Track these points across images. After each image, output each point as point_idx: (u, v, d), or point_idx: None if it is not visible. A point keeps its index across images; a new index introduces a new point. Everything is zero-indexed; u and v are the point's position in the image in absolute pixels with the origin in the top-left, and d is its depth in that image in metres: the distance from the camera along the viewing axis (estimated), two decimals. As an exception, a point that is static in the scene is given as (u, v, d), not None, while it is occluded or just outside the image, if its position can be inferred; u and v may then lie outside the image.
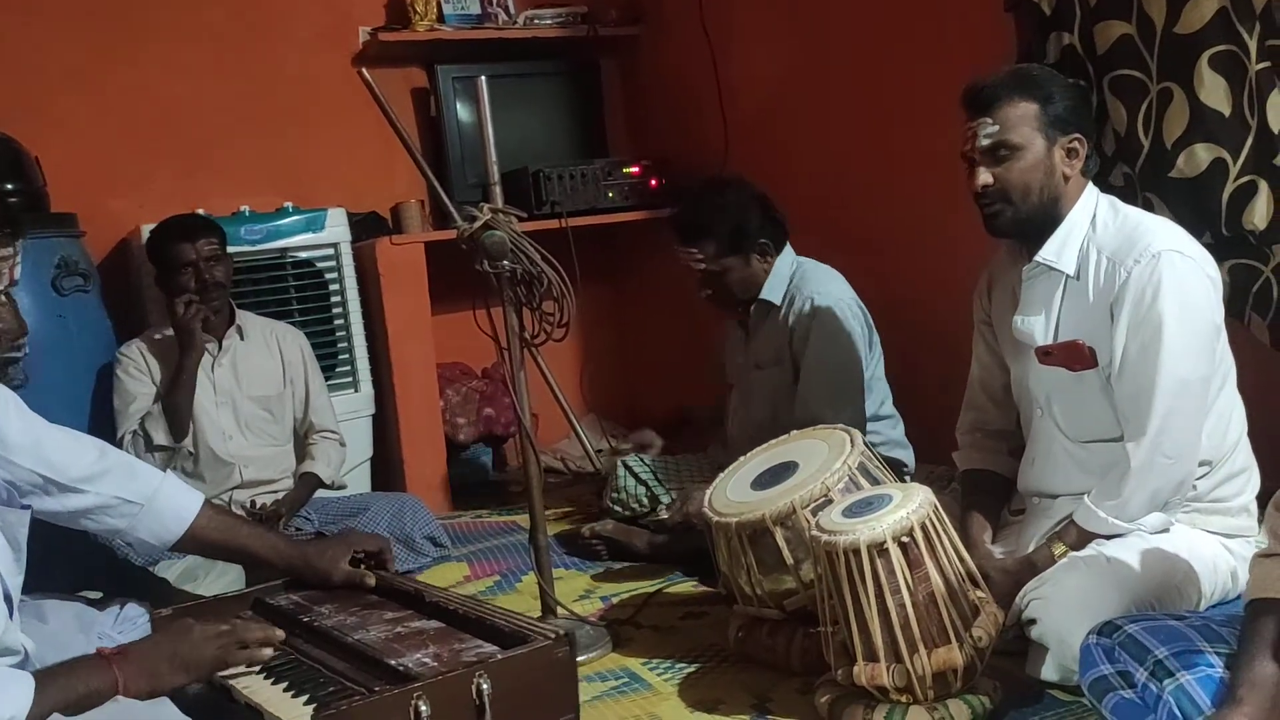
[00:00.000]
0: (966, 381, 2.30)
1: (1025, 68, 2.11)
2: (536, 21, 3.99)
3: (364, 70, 2.05)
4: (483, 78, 2.14)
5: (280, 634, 1.57)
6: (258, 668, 1.56)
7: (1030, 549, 1.98)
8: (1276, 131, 2.10)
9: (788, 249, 2.72)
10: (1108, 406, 1.95)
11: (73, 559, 2.25)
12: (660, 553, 2.71)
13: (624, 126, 4.27)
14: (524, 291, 2.17)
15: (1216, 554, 1.90)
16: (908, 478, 2.77)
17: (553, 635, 1.50)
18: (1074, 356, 1.98)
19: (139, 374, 2.89)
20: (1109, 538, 1.87)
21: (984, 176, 1.95)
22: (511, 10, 3.98)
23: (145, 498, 1.79)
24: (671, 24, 3.96)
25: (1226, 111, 2.16)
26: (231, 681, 1.52)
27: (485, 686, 1.39)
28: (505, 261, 2.11)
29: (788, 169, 3.53)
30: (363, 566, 1.92)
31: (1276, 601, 1.41)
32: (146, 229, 3.12)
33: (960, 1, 2.82)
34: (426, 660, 1.48)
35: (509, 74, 3.91)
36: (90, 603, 1.95)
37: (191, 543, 1.86)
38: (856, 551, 1.69)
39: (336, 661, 1.55)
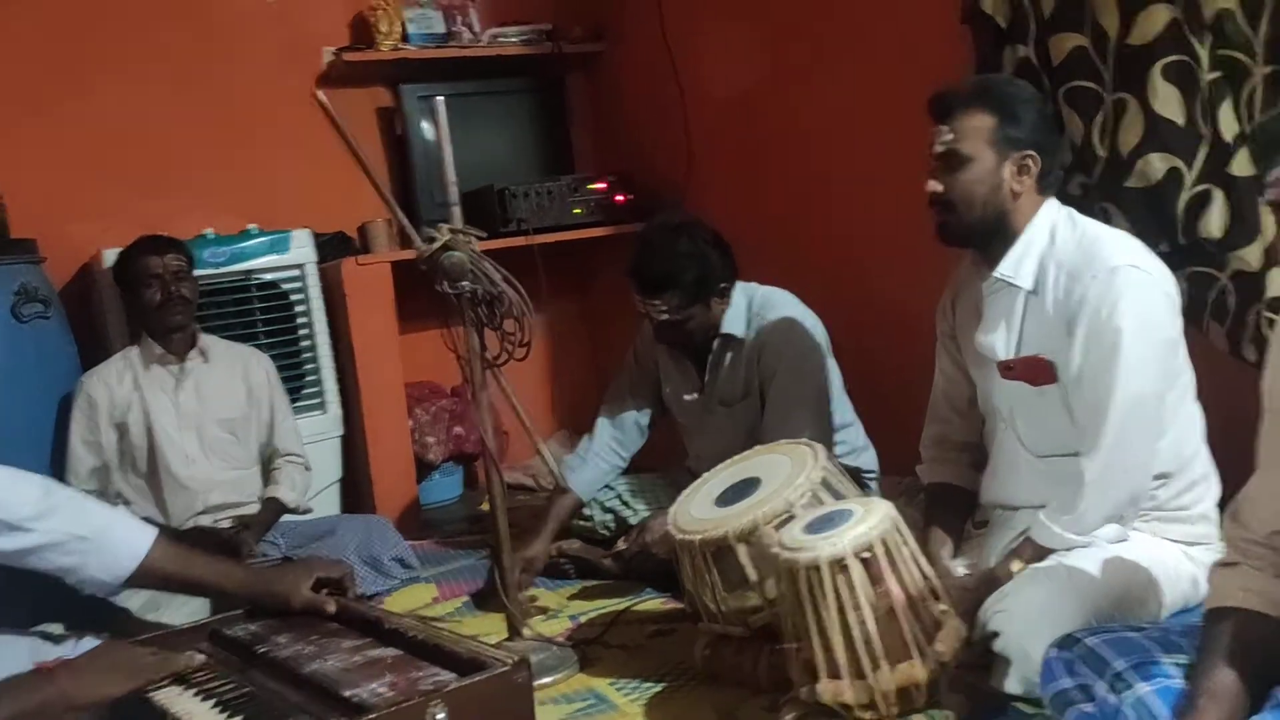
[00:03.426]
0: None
1: (993, 79, 2.10)
2: (501, 39, 3.99)
3: (320, 93, 2.05)
4: (440, 98, 2.14)
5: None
6: (213, 701, 1.54)
7: (992, 562, 1.98)
8: (1229, 140, 2.11)
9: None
10: (1069, 421, 1.95)
11: (32, 592, 2.21)
12: (629, 570, 2.69)
13: (590, 142, 4.27)
14: (485, 312, 2.16)
15: (1178, 562, 1.90)
16: (874, 483, 2.78)
17: (510, 661, 1.48)
18: (1035, 371, 1.98)
19: (88, 427, 2.88)
20: (1067, 551, 1.87)
21: (932, 184, 1.97)
22: (476, 28, 3.97)
23: (96, 532, 1.76)
24: (635, 39, 3.97)
25: (1180, 121, 2.17)
26: (184, 716, 1.50)
27: (440, 716, 1.37)
28: (465, 282, 2.10)
29: (751, 181, 3.55)
30: (325, 592, 1.89)
31: (1235, 610, 1.41)
32: (109, 253, 3.11)
33: (919, 15, 2.83)
34: (382, 690, 1.46)
35: (474, 92, 3.91)
36: (48, 637, 1.92)
37: (146, 577, 1.82)
38: (817, 568, 1.69)
39: (292, 693, 1.52)
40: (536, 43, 4.02)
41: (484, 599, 2.69)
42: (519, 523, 3.33)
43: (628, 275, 2.59)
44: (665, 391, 2.86)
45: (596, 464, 2.83)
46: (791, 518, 1.89)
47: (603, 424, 2.87)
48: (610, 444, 2.86)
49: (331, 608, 1.83)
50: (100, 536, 1.78)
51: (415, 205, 3.77)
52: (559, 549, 2.79)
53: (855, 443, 2.79)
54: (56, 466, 2.91)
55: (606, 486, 2.88)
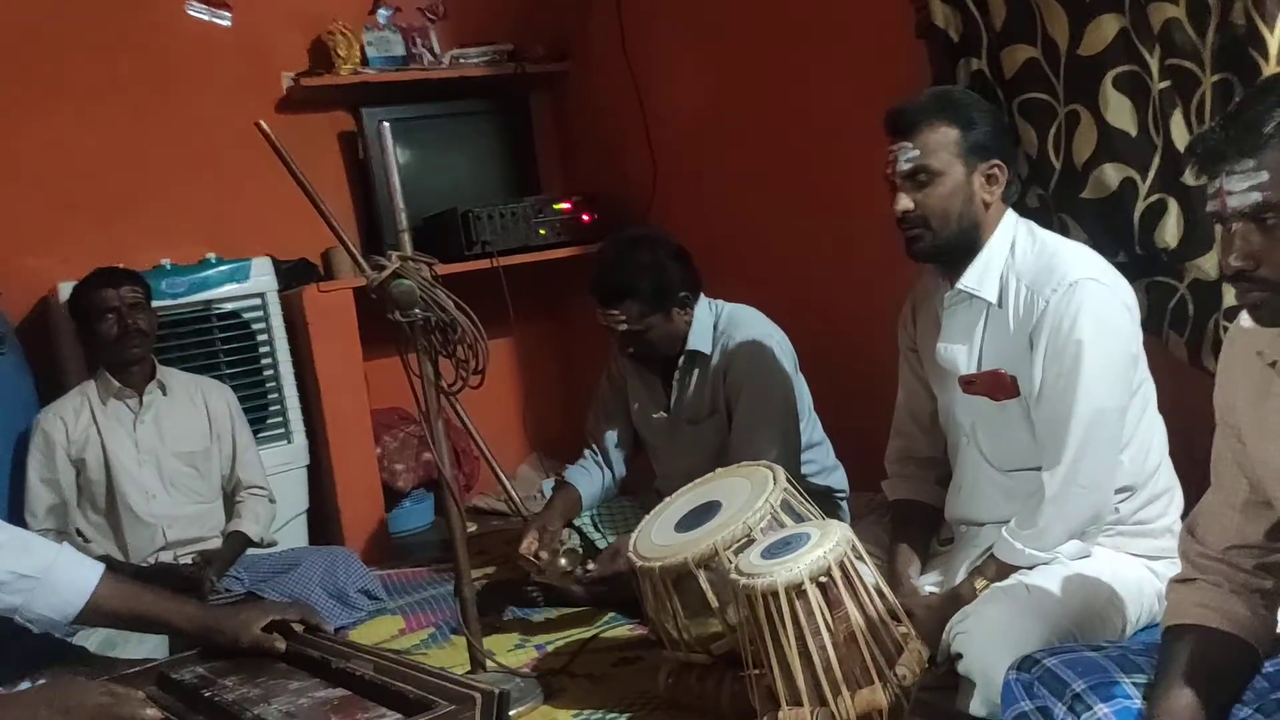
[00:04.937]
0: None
1: (947, 91, 2.08)
2: (463, 61, 3.95)
3: (262, 122, 2.02)
4: (385, 123, 2.11)
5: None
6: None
7: (958, 580, 1.96)
8: (1181, 149, 2.10)
9: (702, 296, 2.68)
10: (1031, 435, 1.93)
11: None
12: (599, 597, 2.66)
13: (555, 162, 4.24)
14: (438, 339, 2.13)
15: (1141, 577, 1.88)
16: (844, 502, 2.76)
17: (476, 694, 1.44)
18: (996, 386, 1.96)
19: (45, 465, 2.83)
20: (1030, 568, 1.85)
21: (904, 202, 1.92)
22: (437, 50, 3.94)
23: (41, 571, 1.73)
24: (597, 59, 3.95)
25: (1133, 131, 2.16)
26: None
27: (384, 759, 1.34)
28: (416, 310, 2.07)
29: (715, 198, 3.54)
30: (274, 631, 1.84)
31: (1192, 628, 1.40)
32: (65, 287, 3.06)
33: (875, 30, 2.82)
34: (327, 733, 1.43)
35: (436, 114, 3.88)
36: (-9, 679, 1.88)
37: (94, 615, 1.79)
38: (775, 594, 1.66)
39: (236, 739, 1.49)
40: (499, 63, 3.99)
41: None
42: (491, 549, 3.32)
43: (589, 289, 2.58)
44: (633, 409, 2.84)
45: (595, 473, 2.82)
46: (751, 541, 1.87)
47: (588, 451, 2.86)
48: (600, 464, 2.84)
49: (281, 646, 1.79)
50: (46, 575, 1.75)
51: (379, 229, 3.74)
52: (532, 567, 2.74)
53: (824, 462, 2.77)
54: (15, 504, 2.87)
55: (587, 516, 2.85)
